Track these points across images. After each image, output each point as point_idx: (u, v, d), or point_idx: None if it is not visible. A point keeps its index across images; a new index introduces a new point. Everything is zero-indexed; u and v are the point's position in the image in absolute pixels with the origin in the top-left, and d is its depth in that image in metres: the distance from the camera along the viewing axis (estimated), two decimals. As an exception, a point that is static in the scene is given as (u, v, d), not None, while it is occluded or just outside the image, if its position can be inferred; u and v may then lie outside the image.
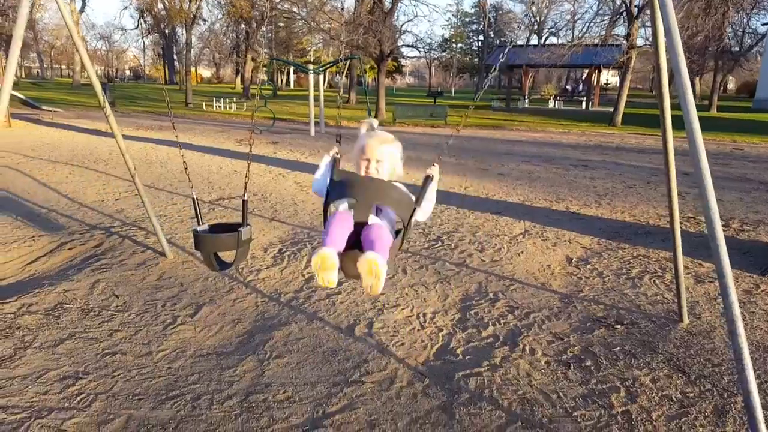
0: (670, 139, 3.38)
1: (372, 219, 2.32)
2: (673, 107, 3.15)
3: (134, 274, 5.00)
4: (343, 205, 2.38)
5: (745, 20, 40.83)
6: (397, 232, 2.46)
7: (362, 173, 2.39)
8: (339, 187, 2.33)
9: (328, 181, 2.41)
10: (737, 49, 45.43)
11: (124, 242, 5.87)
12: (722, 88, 54.16)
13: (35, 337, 3.80)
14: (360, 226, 2.26)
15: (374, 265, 2.07)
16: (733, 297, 2.31)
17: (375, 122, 2.56)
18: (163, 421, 2.89)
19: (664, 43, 2.99)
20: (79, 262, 5.32)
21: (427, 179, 2.37)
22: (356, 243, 2.25)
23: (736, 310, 2.30)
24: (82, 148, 13.15)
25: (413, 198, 2.35)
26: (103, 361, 3.50)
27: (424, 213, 2.41)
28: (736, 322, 2.29)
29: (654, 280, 4.90)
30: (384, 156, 2.39)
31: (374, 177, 2.35)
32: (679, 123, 3.33)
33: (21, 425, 2.83)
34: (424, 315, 4.20)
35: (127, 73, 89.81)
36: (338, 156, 2.48)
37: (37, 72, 69.89)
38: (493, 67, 2.82)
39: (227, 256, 4.06)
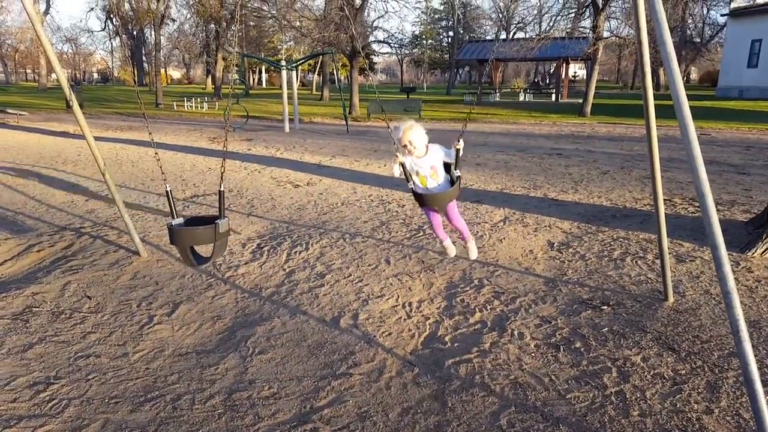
0: (653, 120, 3.35)
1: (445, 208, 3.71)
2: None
3: (107, 274, 4.82)
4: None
5: (704, 11, 41.66)
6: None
7: (407, 153, 3.47)
8: (419, 199, 3.56)
9: (405, 177, 3.51)
10: (698, 39, 46.34)
11: (96, 242, 5.66)
12: (685, 78, 55.08)
13: (2, 342, 3.61)
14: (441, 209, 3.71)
15: (474, 247, 4.14)
16: (727, 269, 2.25)
17: (396, 123, 3.55)
18: (142, 424, 2.75)
19: (646, 22, 2.95)
20: (49, 264, 5.11)
21: (458, 151, 3.48)
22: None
23: (731, 282, 2.25)
24: (50, 150, 12.74)
25: (453, 174, 3.54)
26: (76, 364, 3.33)
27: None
28: (731, 294, 2.24)
29: (636, 261, 4.89)
30: (413, 138, 3.44)
31: (433, 193, 3.53)
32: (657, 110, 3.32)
33: (-11, 434, 2.67)
34: (410, 304, 4.12)
35: (95, 75, 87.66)
36: (403, 163, 3.47)
37: (1, 76, 67.68)
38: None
39: (205, 250, 3.93)
